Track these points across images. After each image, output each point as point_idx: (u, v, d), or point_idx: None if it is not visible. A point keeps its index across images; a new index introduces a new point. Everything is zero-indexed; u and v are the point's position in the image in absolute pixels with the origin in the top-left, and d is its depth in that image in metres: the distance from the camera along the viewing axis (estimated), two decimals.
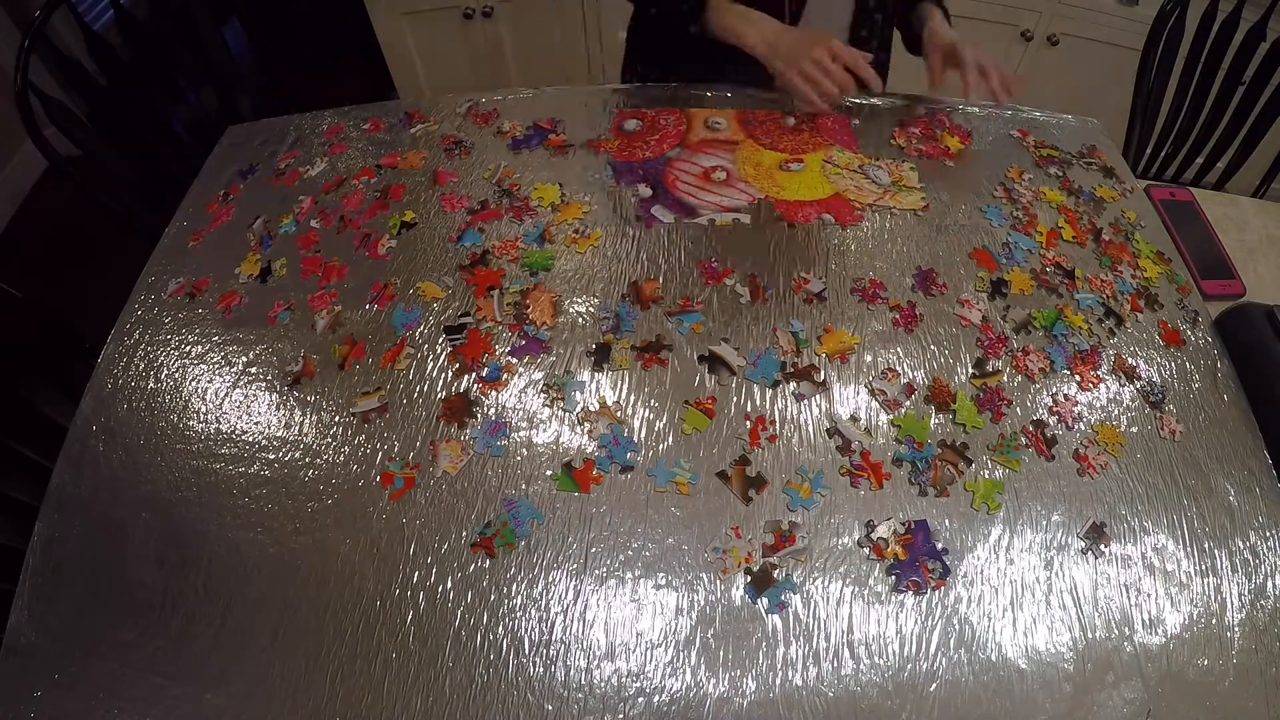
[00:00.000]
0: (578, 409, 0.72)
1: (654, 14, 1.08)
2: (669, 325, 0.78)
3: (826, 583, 0.63)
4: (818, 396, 0.73)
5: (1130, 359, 0.79)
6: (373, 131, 0.99)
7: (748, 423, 0.71)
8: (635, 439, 0.70)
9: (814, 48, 0.92)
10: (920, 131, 0.99)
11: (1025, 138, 1.01)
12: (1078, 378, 0.77)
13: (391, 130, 0.99)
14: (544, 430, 0.71)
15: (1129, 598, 0.64)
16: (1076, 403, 0.75)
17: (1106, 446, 0.72)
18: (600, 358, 0.75)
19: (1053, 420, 0.73)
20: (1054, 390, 0.75)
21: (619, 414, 0.71)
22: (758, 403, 0.72)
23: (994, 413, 0.73)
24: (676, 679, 0.59)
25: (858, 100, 1.02)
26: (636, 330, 0.77)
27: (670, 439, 0.70)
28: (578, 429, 0.71)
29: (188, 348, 0.78)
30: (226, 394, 0.74)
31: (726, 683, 0.59)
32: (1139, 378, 0.78)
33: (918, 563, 0.64)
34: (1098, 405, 0.75)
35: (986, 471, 0.70)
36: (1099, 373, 0.77)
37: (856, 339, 0.77)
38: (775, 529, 0.65)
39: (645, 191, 0.90)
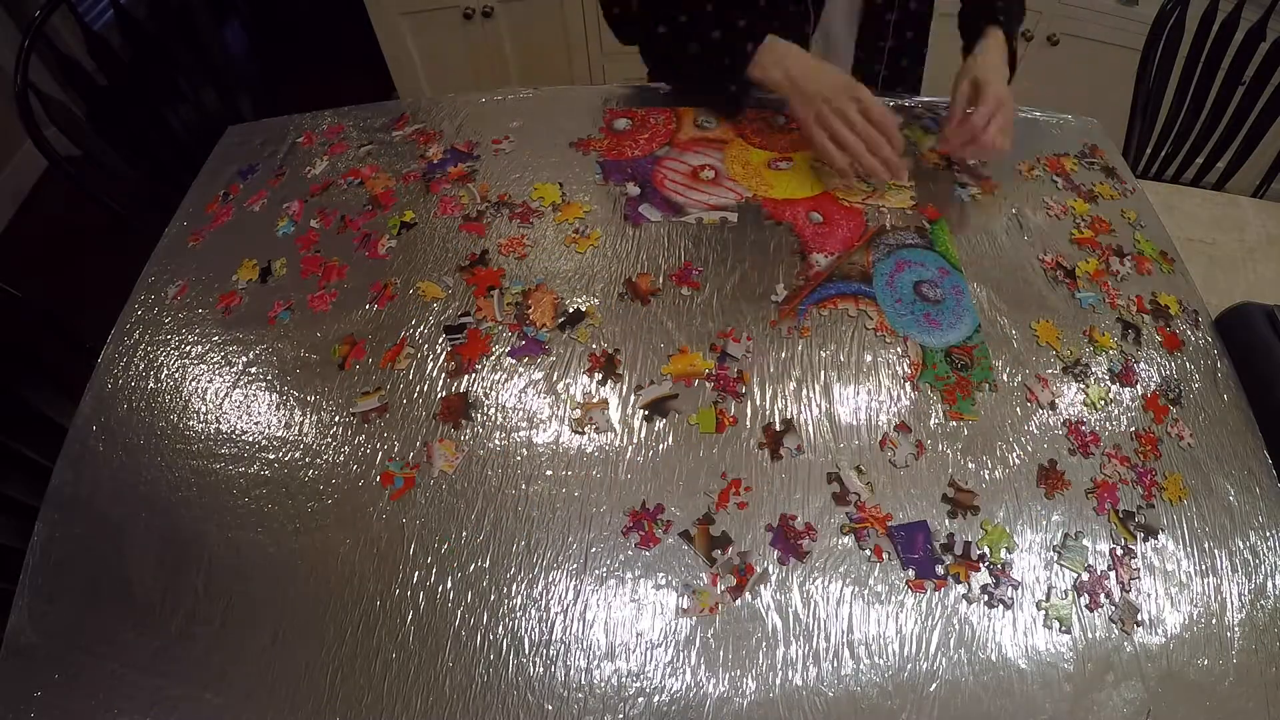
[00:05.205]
0: (578, 409, 0.72)
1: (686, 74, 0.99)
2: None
3: (826, 583, 0.63)
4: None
5: (1132, 361, 0.78)
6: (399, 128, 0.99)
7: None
8: (635, 439, 0.70)
9: (839, 94, 0.84)
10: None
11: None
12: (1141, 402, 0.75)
13: (391, 130, 0.99)
14: (544, 430, 0.71)
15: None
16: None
17: (1177, 500, 0.69)
18: (572, 320, 0.77)
19: (1069, 446, 0.71)
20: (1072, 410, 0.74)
21: (619, 414, 0.71)
22: (767, 411, 0.72)
23: None
24: (676, 679, 0.59)
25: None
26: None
27: (670, 439, 0.70)
28: (578, 429, 0.71)
29: (188, 348, 0.78)
30: (226, 394, 0.74)
31: (726, 683, 0.59)
32: (1139, 379, 0.77)
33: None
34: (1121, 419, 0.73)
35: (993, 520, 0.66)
36: (1141, 389, 0.75)
37: (709, 364, 0.74)
38: None
39: (633, 190, 0.90)
